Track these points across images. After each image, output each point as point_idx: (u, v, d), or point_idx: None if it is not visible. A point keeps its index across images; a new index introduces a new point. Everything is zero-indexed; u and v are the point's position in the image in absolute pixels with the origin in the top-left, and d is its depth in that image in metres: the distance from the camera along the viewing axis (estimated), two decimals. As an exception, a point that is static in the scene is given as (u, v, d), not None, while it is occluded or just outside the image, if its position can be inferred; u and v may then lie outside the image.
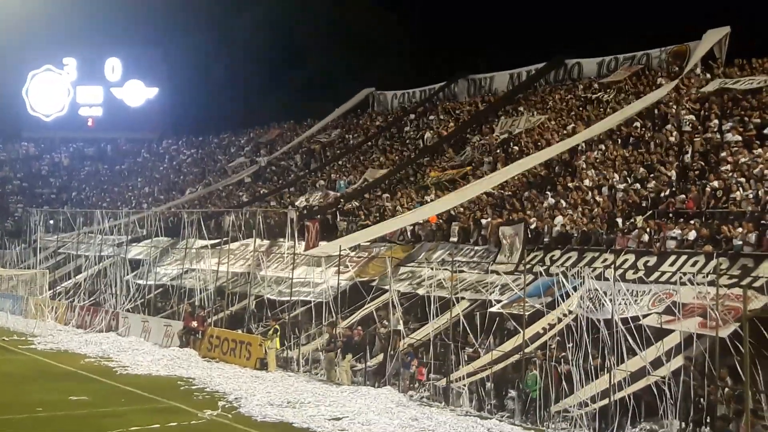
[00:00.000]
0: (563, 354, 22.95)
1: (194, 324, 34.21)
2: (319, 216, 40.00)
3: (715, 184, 27.03)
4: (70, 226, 53.59)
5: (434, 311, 27.25)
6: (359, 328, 29.90)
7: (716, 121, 31.37)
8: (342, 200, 42.89)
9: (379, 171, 45.67)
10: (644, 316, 22.26)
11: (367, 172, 46.35)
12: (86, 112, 78.26)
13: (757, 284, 22.06)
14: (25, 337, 37.53)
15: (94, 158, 79.87)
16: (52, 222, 56.77)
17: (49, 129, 78.84)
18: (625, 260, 26.02)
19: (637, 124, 34.47)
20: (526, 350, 23.60)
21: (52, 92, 78.02)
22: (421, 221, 34.99)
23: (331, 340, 28.96)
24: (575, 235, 28.68)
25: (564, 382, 22.35)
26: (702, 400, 20.23)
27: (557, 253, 28.68)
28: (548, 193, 32.75)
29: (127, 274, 42.46)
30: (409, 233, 35.41)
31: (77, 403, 23.93)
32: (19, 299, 45.94)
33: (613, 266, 24.07)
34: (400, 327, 27.94)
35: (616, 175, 31.09)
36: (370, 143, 52.26)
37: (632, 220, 27.72)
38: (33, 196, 72.09)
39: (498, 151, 39.77)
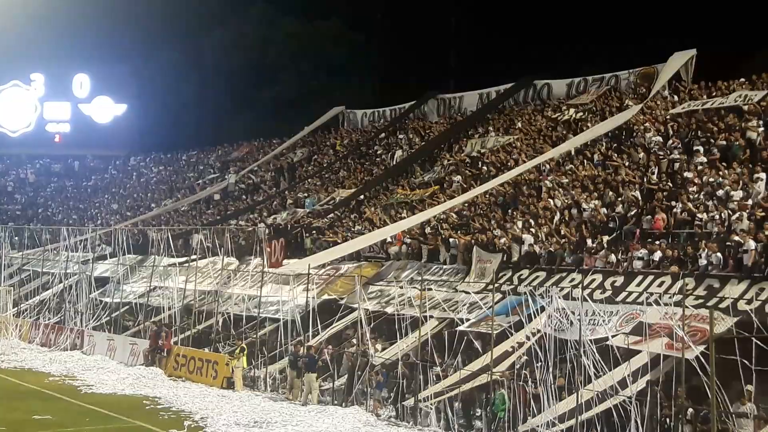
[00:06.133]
0: (531, 373, 22.94)
1: (160, 342, 33.92)
2: (282, 237, 39.65)
3: (681, 205, 27.22)
4: (36, 242, 53.10)
5: (403, 330, 27.21)
6: (329, 347, 29.80)
7: (682, 142, 31.64)
8: (308, 218, 42.77)
9: (347, 190, 45.59)
10: (612, 337, 22.33)
11: (336, 191, 46.29)
12: (53, 128, 77.41)
13: (723, 305, 22.21)
14: (-12, 355, 37.06)
15: (60, 175, 79.35)
16: (17, 239, 56.12)
17: (15, 145, 77.88)
18: (593, 280, 26.10)
19: (604, 144, 34.71)
20: (495, 369, 23.59)
21: (19, 108, 77.06)
22: (389, 239, 35.04)
23: (298, 358, 28.75)
24: (542, 254, 28.80)
25: (532, 402, 22.36)
26: (668, 420, 20.29)
27: (525, 272, 28.78)
28: (517, 213, 32.83)
29: (93, 292, 42.06)
30: (379, 249, 35.47)
31: (41, 422, 23.62)
32: (-18, 317, 45.27)
33: (581, 286, 24.14)
34: (369, 346, 27.83)
35: (584, 196, 31.25)
36: (339, 162, 52.30)
37: (599, 240, 27.87)
38: (-2, 212, 71.36)
39: (467, 170, 39.87)
